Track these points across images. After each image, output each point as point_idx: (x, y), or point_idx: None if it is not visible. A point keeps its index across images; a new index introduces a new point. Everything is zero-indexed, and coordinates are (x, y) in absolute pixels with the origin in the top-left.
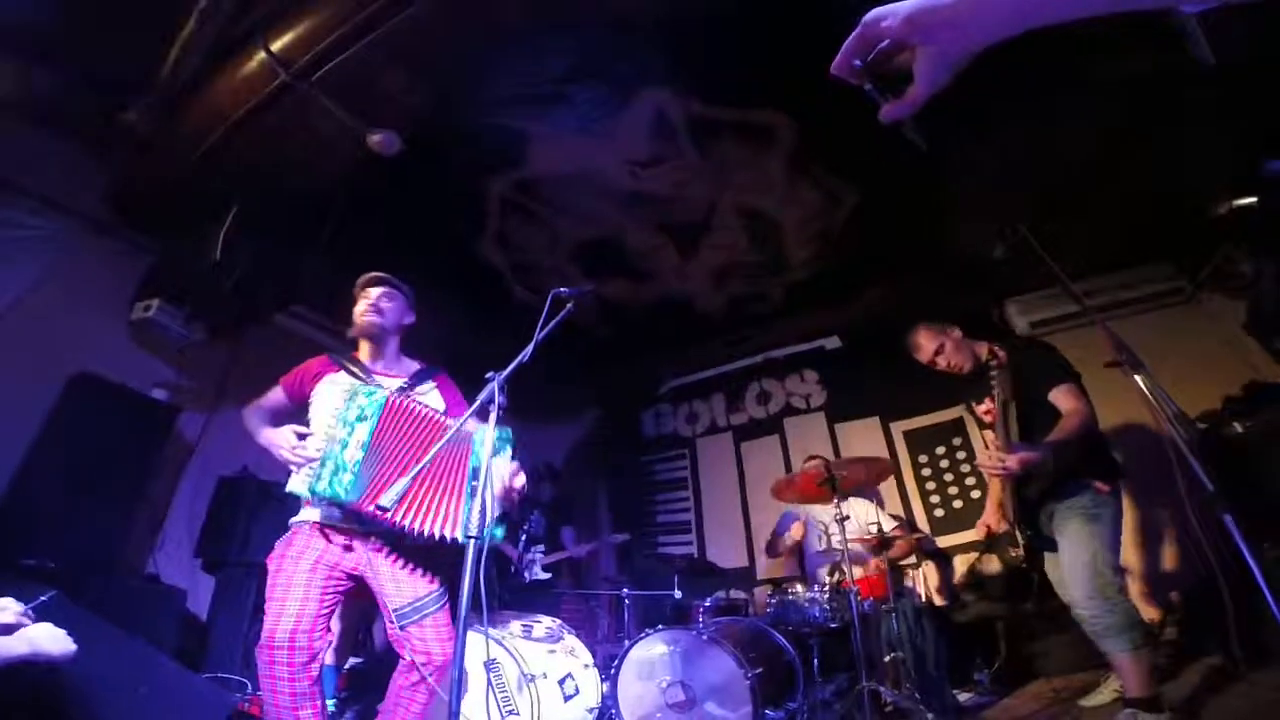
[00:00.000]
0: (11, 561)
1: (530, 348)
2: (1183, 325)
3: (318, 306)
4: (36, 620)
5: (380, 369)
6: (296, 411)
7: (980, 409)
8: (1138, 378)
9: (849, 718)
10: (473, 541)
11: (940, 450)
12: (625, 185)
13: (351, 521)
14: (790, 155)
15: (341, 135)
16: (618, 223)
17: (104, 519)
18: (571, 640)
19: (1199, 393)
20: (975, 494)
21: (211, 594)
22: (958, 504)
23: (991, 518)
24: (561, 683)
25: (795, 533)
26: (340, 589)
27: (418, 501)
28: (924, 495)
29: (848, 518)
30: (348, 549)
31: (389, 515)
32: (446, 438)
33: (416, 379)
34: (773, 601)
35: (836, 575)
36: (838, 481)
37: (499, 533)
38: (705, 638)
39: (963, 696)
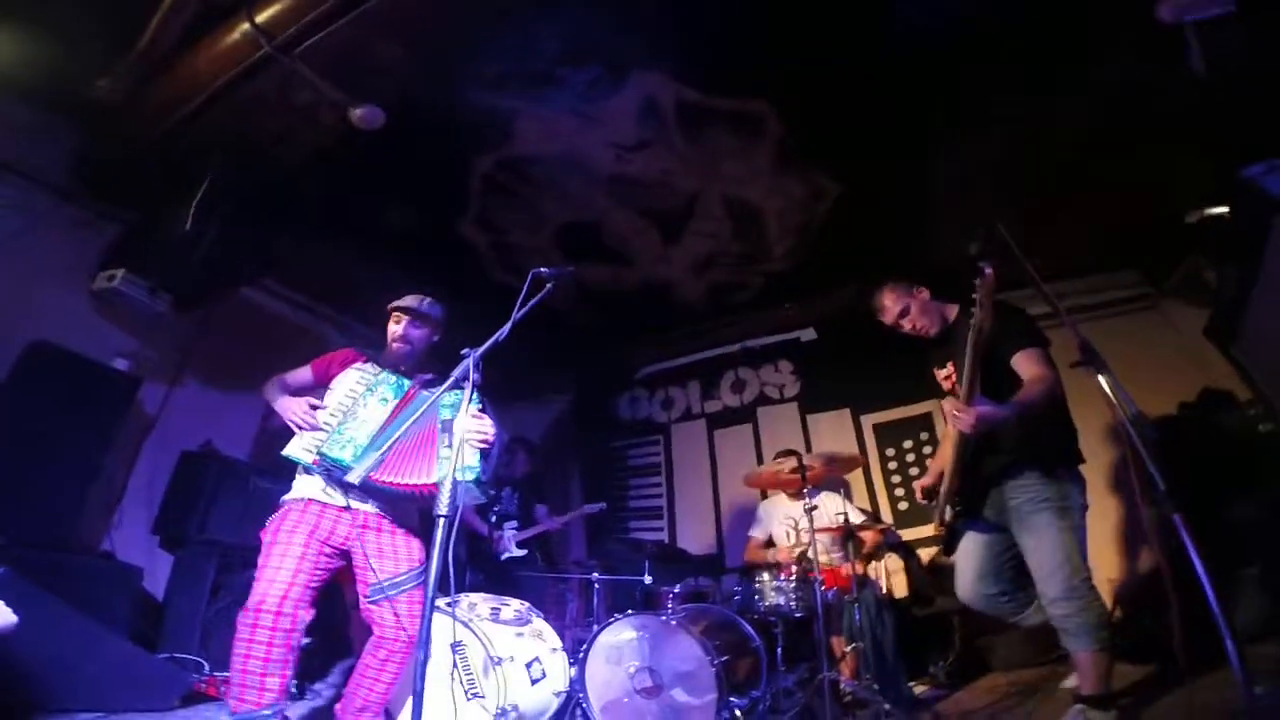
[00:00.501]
0: None
1: (508, 326)
2: (1146, 331)
3: (289, 280)
4: None
5: (402, 372)
6: (315, 391)
7: (941, 374)
8: (1101, 379)
9: (810, 707)
10: (442, 520)
11: (908, 444)
12: (611, 169)
13: (351, 494)
14: (776, 146)
15: (323, 108)
16: (601, 206)
17: (58, 493)
18: (540, 624)
19: (1157, 397)
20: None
21: (169, 573)
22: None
23: (930, 478)
24: (529, 666)
25: (761, 535)
26: (331, 566)
27: (406, 464)
28: (889, 488)
29: (815, 508)
30: (338, 524)
31: (384, 479)
32: (421, 409)
33: (428, 384)
34: (740, 589)
35: (803, 565)
36: (806, 474)
37: (470, 474)
38: (673, 624)
39: (919, 688)
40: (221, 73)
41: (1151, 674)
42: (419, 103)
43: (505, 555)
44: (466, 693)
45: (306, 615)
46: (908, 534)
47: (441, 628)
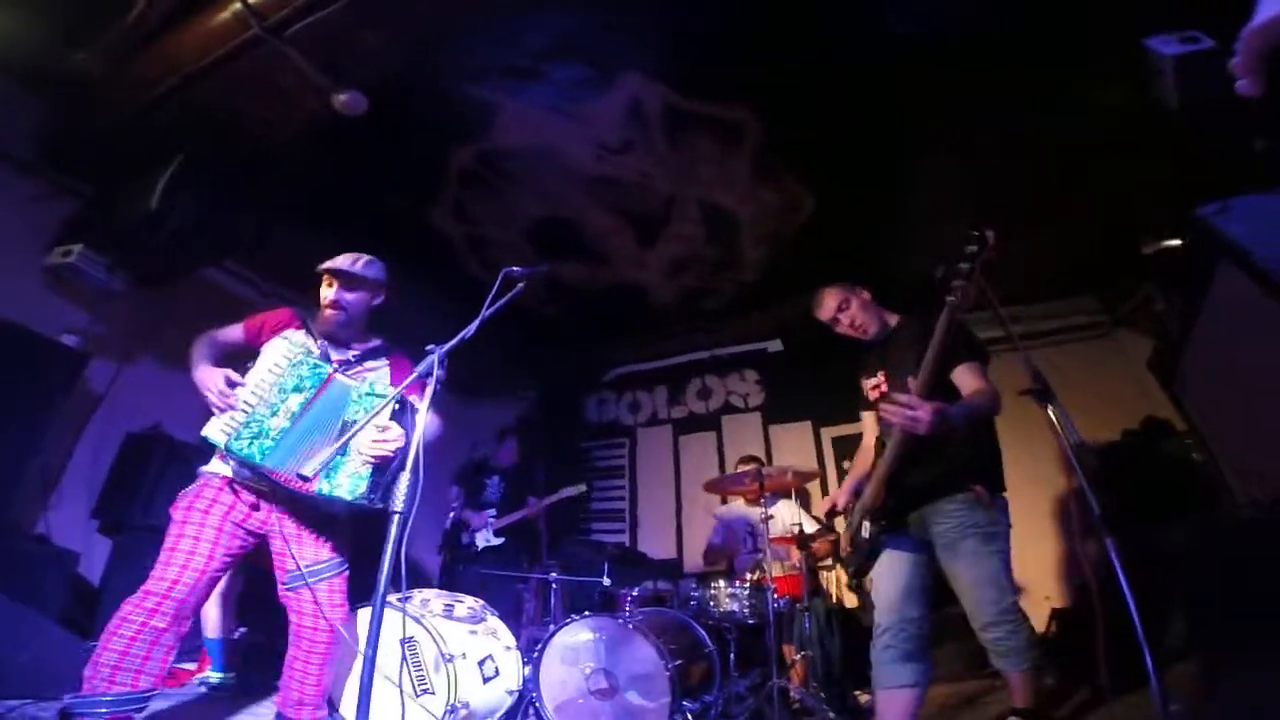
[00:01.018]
0: None
1: (475, 324)
2: (1098, 358)
3: (255, 262)
4: None
5: (340, 341)
6: (247, 355)
7: (869, 383)
8: (1048, 408)
9: (759, 713)
10: (396, 516)
11: None
12: (591, 168)
13: (262, 483)
14: (756, 155)
15: (306, 92)
16: (579, 204)
17: None
18: (494, 622)
19: (1103, 423)
20: None
21: (107, 558)
22: None
23: (844, 496)
24: (481, 664)
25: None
26: (243, 549)
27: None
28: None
29: (771, 517)
30: (255, 507)
31: (308, 485)
32: (379, 409)
33: (369, 354)
34: (696, 595)
35: (757, 573)
36: (764, 483)
37: (356, 490)
38: (630, 627)
39: (864, 698)
40: (208, 51)
41: (1078, 692)
42: (402, 91)
43: (483, 545)
44: (416, 689)
45: (203, 600)
46: None
47: (392, 623)
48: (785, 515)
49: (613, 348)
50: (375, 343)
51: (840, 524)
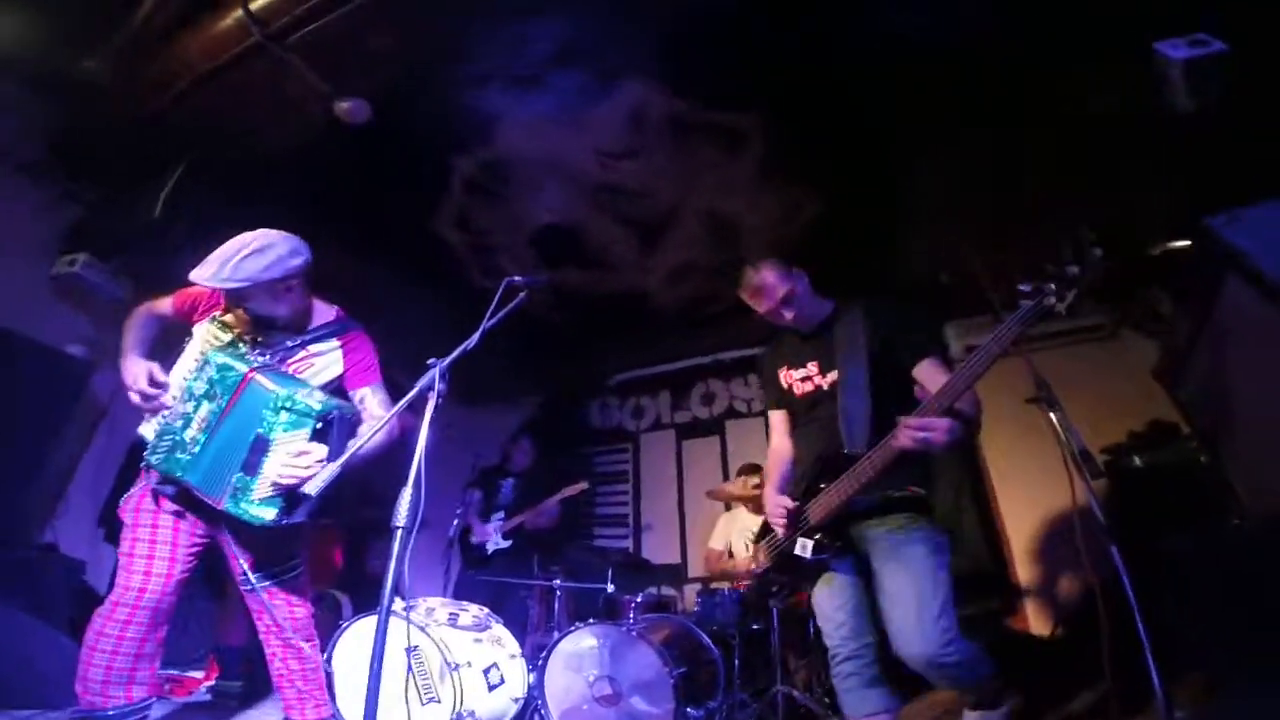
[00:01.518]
0: None
1: (477, 335)
2: (1102, 360)
3: None
4: None
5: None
6: (174, 336)
7: (795, 375)
8: (1052, 415)
9: (764, 718)
10: (399, 531)
11: None
12: (594, 175)
13: (187, 502)
14: (758, 161)
15: (309, 99)
16: (581, 212)
17: (1, 482)
18: (499, 629)
19: (1108, 426)
20: None
21: (114, 567)
22: None
23: (779, 516)
24: (486, 672)
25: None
26: (200, 548)
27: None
28: None
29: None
30: (180, 515)
31: (219, 504)
32: (377, 429)
33: (314, 336)
34: (700, 601)
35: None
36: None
37: (264, 517)
38: (634, 634)
39: None
40: (211, 58)
41: (1082, 698)
42: (405, 99)
43: (493, 549)
44: (422, 697)
45: (173, 604)
46: None
47: (397, 632)
48: None
49: (615, 353)
50: (325, 317)
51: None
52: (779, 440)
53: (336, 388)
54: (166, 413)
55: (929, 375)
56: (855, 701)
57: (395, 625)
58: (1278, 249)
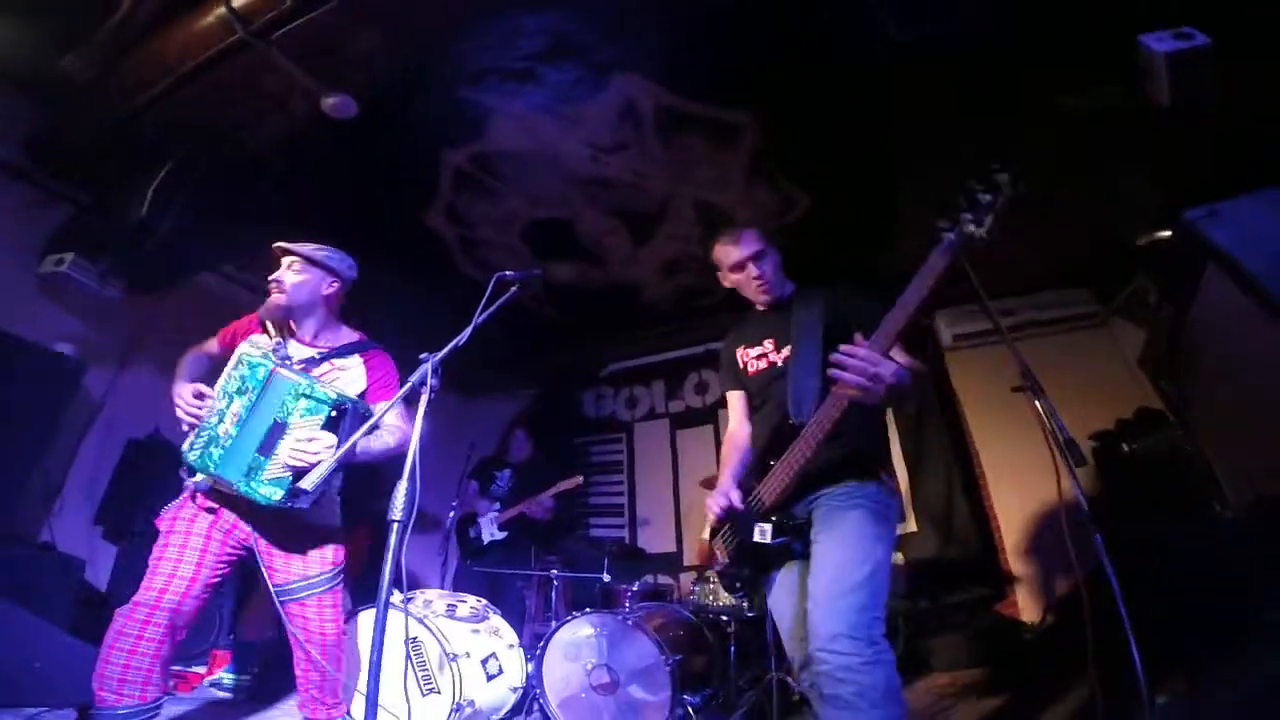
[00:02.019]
0: None
1: (468, 331)
2: (1092, 348)
3: (249, 264)
4: None
5: (305, 338)
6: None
7: (751, 353)
8: (1037, 403)
9: (759, 705)
10: (395, 525)
11: None
12: (586, 169)
13: (225, 500)
14: (751, 155)
15: (295, 95)
16: (573, 205)
17: None
18: (497, 620)
19: (1097, 412)
20: None
21: (113, 564)
22: None
23: (734, 494)
24: (485, 662)
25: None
26: (232, 559)
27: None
28: None
29: None
30: (212, 511)
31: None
32: (369, 424)
33: (338, 352)
34: (696, 589)
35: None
36: None
37: (273, 496)
38: (630, 623)
39: None
40: (193, 55)
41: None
42: (394, 93)
43: (489, 539)
44: (422, 688)
45: (197, 613)
46: None
47: (396, 624)
48: None
49: (609, 343)
50: (350, 339)
51: (703, 525)
52: (735, 423)
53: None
54: (208, 415)
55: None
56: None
57: (394, 617)
58: (1255, 243)
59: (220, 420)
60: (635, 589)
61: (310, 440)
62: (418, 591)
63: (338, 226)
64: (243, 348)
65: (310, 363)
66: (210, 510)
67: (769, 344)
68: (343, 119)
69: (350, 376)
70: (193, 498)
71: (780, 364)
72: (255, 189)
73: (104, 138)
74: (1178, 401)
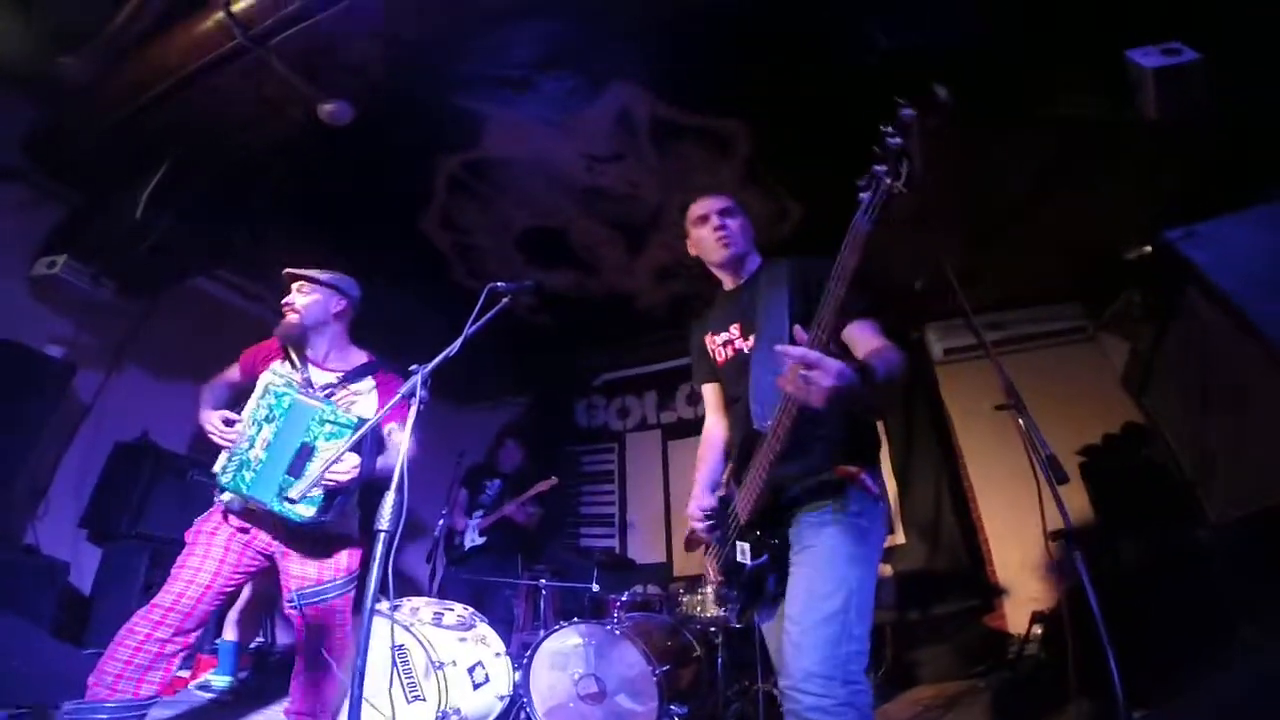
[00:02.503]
0: None
1: (459, 342)
2: (1081, 363)
3: (242, 269)
4: None
5: (320, 361)
6: (246, 392)
7: (716, 340)
8: (1021, 421)
9: (746, 716)
10: (383, 534)
11: None
12: (580, 178)
13: (254, 514)
14: (745, 164)
15: (292, 101)
16: (568, 214)
17: None
18: (483, 628)
19: (1086, 427)
20: None
21: (97, 567)
22: None
23: (706, 499)
24: (471, 670)
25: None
26: (251, 568)
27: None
28: None
29: None
30: (244, 531)
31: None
32: (358, 434)
33: (353, 376)
34: (684, 599)
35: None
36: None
37: (305, 514)
38: (618, 633)
39: None
40: (191, 60)
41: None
42: (390, 100)
43: (470, 545)
44: (407, 695)
45: (209, 616)
46: None
47: (382, 632)
48: None
49: (602, 353)
50: (362, 361)
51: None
52: (711, 420)
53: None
54: (238, 441)
55: (861, 338)
56: None
57: (381, 625)
58: (1232, 264)
59: (251, 446)
60: (624, 599)
61: (339, 462)
62: (405, 599)
63: (333, 232)
64: (266, 377)
65: (331, 388)
66: (244, 530)
67: (735, 329)
68: (339, 125)
69: (365, 400)
70: (225, 516)
71: (746, 352)
72: (251, 194)
73: (101, 140)
74: (1159, 419)
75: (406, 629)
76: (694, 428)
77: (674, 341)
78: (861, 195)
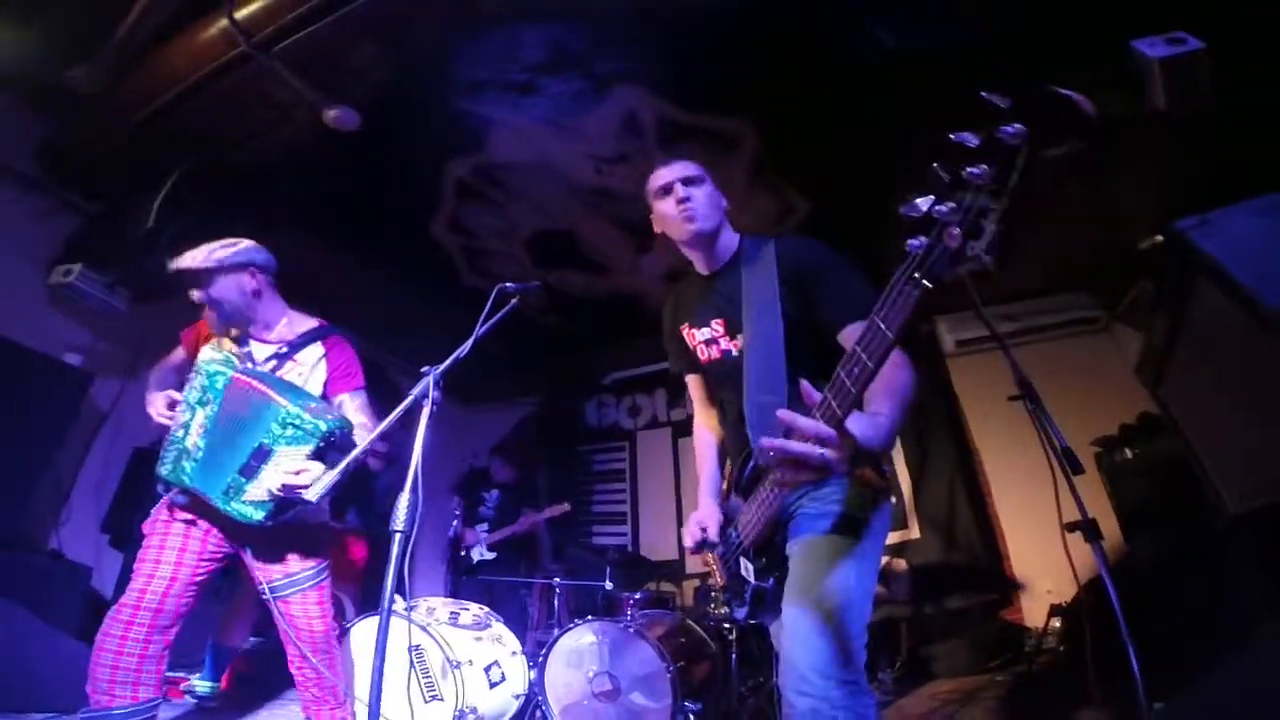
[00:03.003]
0: None
1: (469, 343)
2: (1095, 353)
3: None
4: None
5: (260, 334)
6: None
7: (697, 337)
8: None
9: (761, 712)
10: (398, 535)
11: None
12: (588, 180)
13: (200, 510)
14: (751, 163)
15: (298, 107)
16: (575, 215)
17: (6, 490)
18: (499, 628)
19: (1100, 417)
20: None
21: (119, 571)
22: None
23: (711, 515)
24: (487, 669)
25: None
26: (218, 554)
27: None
28: None
29: None
30: (192, 524)
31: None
32: (368, 441)
33: (298, 344)
34: (699, 596)
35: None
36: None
37: (253, 516)
38: (632, 630)
39: None
40: (197, 68)
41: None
42: (395, 105)
43: (478, 559)
44: (425, 695)
45: (186, 610)
46: None
47: (399, 631)
48: None
49: (611, 352)
50: (307, 325)
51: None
52: (700, 413)
53: (324, 394)
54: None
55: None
56: None
57: (398, 625)
58: (1245, 254)
59: (186, 432)
60: (638, 596)
61: (298, 473)
62: (421, 599)
63: (341, 238)
64: (203, 355)
65: (276, 359)
66: (188, 521)
67: (718, 325)
68: (346, 131)
69: (313, 368)
70: (169, 509)
71: (735, 354)
72: (261, 200)
73: (112, 149)
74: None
75: (423, 629)
76: None
77: None
78: (911, 244)
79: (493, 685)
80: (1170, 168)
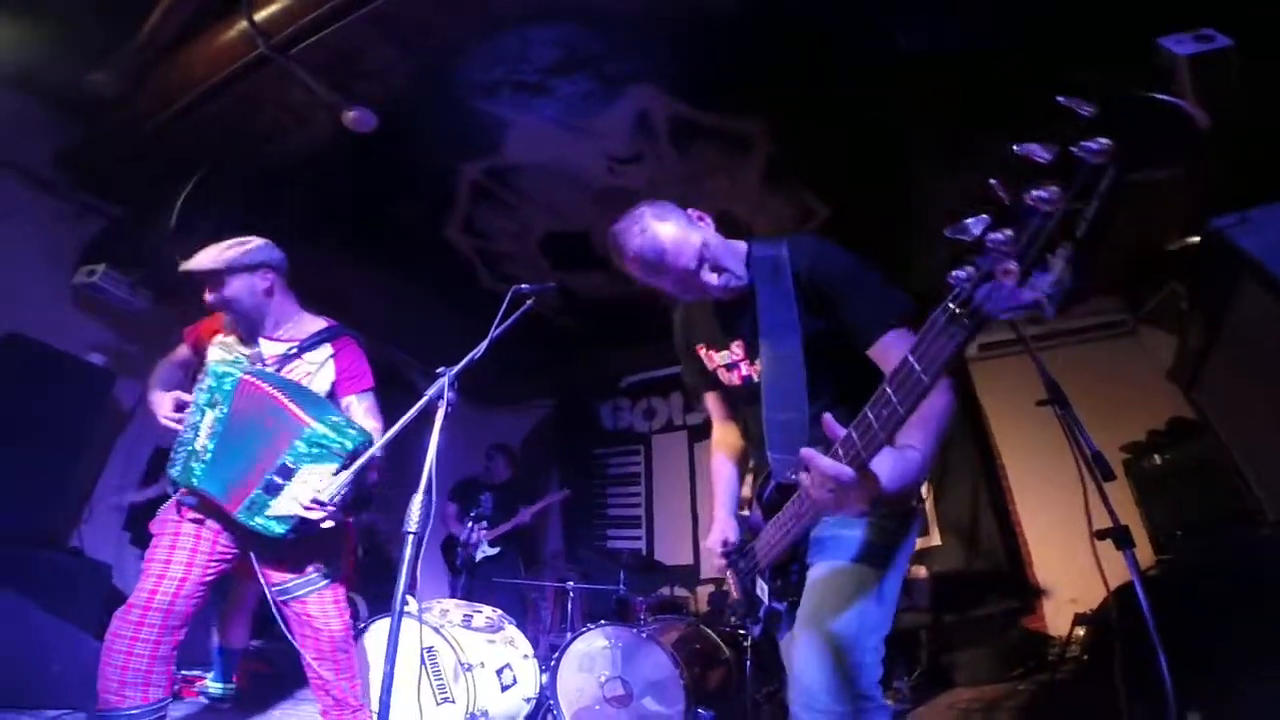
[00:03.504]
0: None
1: (484, 344)
2: (1122, 357)
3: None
4: None
5: (270, 332)
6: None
7: (717, 358)
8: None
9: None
10: (411, 536)
11: None
12: (601, 180)
13: (208, 511)
14: (766, 164)
15: (316, 109)
16: (590, 216)
17: (28, 488)
18: (512, 631)
19: (1129, 423)
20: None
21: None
22: None
23: (728, 529)
24: (499, 672)
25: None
26: (228, 554)
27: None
28: None
29: None
30: (199, 523)
31: (231, 511)
32: (381, 442)
33: (308, 345)
34: (713, 601)
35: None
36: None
37: (273, 530)
38: (644, 635)
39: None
40: (217, 70)
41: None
42: (412, 107)
43: (481, 556)
44: (436, 697)
45: (196, 609)
46: None
47: (411, 633)
48: None
49: (627, 355)
50: (320, 327)
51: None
52: (719, 429)
53: (331, 394)
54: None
55: (893, 355)
56: None
57: (410, 627)
58: None
59: (196, 434)
60: (651, 601)
61: (322, 484)
62: (435, 601)
63: (360, 238)
64: (211, 355)
65: (284, 359)
66: (197, 521)
67: (738, 349)
68: (364, 132)
69: (321, 369)
70: (178, 509)
71: (756, 379)
72: (282, 201)
73: (133, 151)
74: (1211, 413)
75: (436, 630)
76: None
77: None
78: (956, 275)
79: (504, 688)
80: (1199, 168)
